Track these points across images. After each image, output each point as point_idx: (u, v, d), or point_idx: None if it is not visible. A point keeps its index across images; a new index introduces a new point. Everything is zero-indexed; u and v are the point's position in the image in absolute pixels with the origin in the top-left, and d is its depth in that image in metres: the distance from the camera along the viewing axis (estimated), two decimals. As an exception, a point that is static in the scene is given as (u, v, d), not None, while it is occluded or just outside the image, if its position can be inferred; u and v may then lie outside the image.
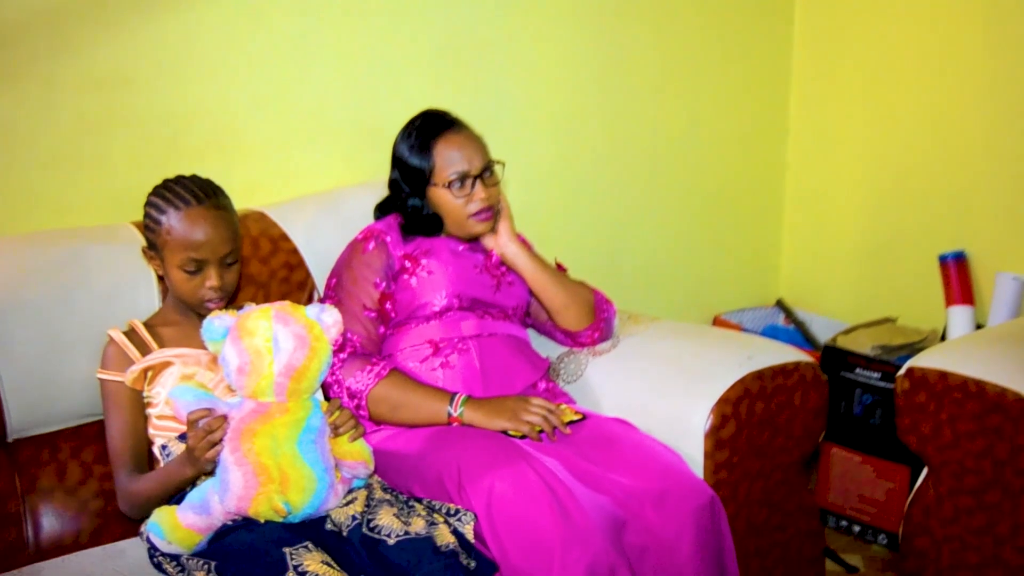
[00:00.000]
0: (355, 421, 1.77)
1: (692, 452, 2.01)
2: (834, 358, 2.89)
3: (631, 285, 3.15)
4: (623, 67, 3.04)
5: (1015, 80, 2.91)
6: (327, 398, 2.03)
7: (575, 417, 2.02)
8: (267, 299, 2.15)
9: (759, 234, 3.52)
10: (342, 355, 2.01)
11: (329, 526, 1.72)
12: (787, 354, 2.16)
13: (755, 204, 3.49)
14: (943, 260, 3.02)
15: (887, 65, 3.20)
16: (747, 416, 2.04)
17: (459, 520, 1.78)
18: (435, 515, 1.79)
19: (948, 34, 3.04)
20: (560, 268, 2.31)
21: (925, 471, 2.19)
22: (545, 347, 2.31)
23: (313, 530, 1.69)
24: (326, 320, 1.75)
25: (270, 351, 1.67)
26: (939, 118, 3.09)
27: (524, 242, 2.26)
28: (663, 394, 2.10)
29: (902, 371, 2.17)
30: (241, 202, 2.08)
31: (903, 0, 3.13)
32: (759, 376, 2.07)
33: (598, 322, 2.26)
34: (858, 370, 2.84)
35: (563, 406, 2.06)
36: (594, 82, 3.00)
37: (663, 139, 3.18)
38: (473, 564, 1.71)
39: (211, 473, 1.71)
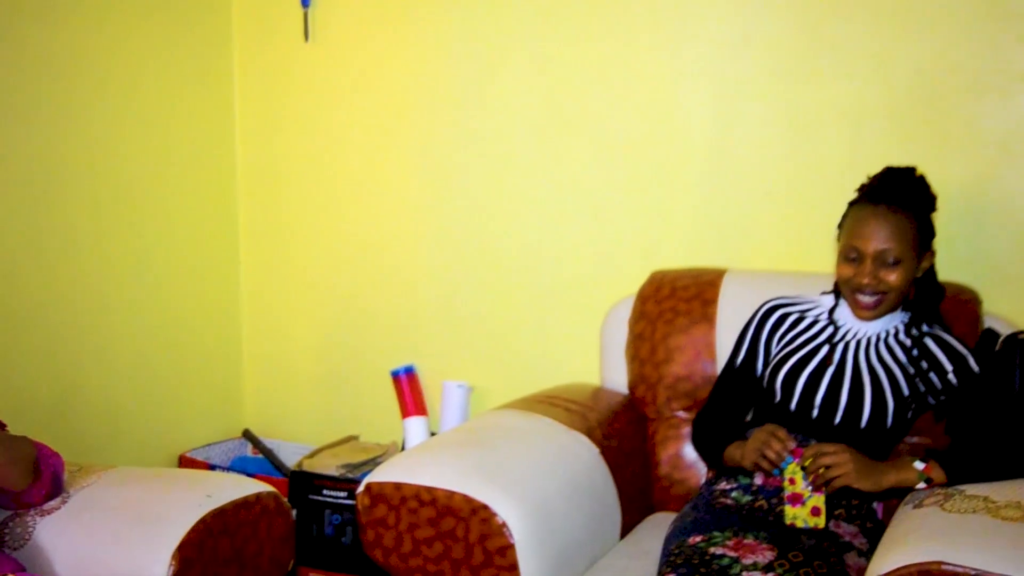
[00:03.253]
0: None
1: (158, 605, 1.91)
2: (301, 482, 2.92)
3: (87, 432, 2.98)
4: (60, 201, 2.91)
5: (441, 210, 3.20)
6: None
7: (22, 587, 1.86)
8: None
9: (220, 367, 3.50)
10: None
11: None
12: (248, 487, 2.14)
13: (213, 337, 3.47)
14: (395, 375, 3.19)
15: (330, 197, 3.37)
16: (212, 556, 1.98)
17: None
18: None
19: (386, 163, 3.27)
20: (-4, 425, 2.13)
21: (394, 582, 2.26)
22: (-15, 513, 2.11)
23: None
24: None
25: None
26: (382, 246, 3.30)
27: (-48, 401, 2.06)
28: (120, 548, 1.98)
29: (361, 488, 2.23)
30: None
31: (340, 130, 3.32)
32: (220, 513, 2.02)
33: (44, 479, 2.09)
34: (325, 491, 2.89)
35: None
36: (26, 237, 2.84)
37: (113, 277, 3.08)
38: None
39: None
